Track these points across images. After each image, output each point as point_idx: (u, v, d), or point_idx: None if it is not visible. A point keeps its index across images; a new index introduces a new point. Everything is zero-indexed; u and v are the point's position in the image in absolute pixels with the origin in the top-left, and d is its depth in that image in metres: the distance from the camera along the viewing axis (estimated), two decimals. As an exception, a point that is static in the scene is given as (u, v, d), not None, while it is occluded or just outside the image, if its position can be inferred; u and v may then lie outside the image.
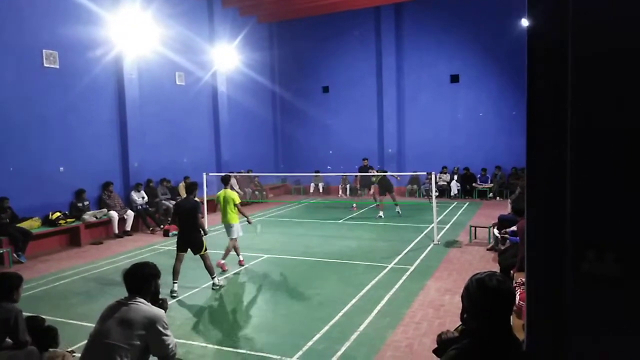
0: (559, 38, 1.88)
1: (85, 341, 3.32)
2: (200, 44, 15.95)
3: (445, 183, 17.55)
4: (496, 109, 17.63)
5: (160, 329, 3.23)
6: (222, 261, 8.32)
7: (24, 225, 9.87)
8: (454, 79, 18.16)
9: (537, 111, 1.97)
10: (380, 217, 13.28)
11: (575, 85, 1.86)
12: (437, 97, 18.38)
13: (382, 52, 18.81)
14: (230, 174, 10.68)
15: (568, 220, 1.92)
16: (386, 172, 14.61)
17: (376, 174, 14.13)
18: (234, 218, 8.31)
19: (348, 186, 18.99)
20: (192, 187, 7.52)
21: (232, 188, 8.82)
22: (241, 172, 17.36)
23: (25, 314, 3.95)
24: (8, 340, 3.74)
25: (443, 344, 2.75)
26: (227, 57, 16.84)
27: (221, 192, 8.51)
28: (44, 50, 10.83)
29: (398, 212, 13.64)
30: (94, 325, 3.30)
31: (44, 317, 4.51)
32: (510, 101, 17.10)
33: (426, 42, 18.33)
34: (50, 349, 3.96)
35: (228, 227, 8.38)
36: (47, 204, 10.77)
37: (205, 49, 16.20)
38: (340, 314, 6.03)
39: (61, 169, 11.25)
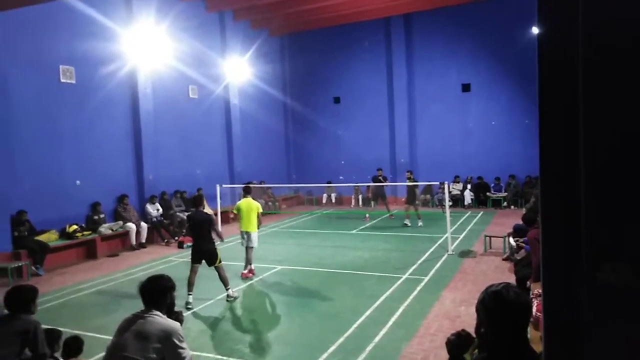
0: (569, 46, 1.88)
1: (102, 354, 3.35)
2: (212, 57, 16.17)
3: (458, 192, 17.43)
4: (508, 118, 17.53)
5: (176, 341, 3.25)
6: (245, 271, 8.57)
7: (42, 238, 10.03)
8: (465, 88, 18.12)
9: (549, 119, 1.97)
10: (407, 224, 13.32)
11: (587, 92, 1.86)
12: (449, 106, 18.34)
13: (393, 62, 18.86)
14: (251, 184, 10.88)
15: (584, 230, 1.91)
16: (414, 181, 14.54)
17: (387, 184, 14.17)
18: (255, 227, 8.50)
19: (360, 196, 18.96)
20: (200, 200, 7.56)
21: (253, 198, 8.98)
22: (254, 183, 17.44)
23: (43, 326, 4.01)
24: (27, 352, 3.79)
25: (454, 349, 2.71)
26: (239, 70, 17.03)
27: (243, 201, 8.72)
28: (60, 66, 11.07)
29: (406, 223, 13.61)
30: (110, 338, 3.34)
31: (61, 329, 4.57)
32: (522, 109, 16.99)
33: (436, 52, 18.35)
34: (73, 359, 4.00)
35: (248, 236, 8.50)
36: (64, 217, 10.93)
37: (218, 62, 16.41)
38: (355, 325, 6.00)
39: (78, 182, 11.43)
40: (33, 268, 9.49)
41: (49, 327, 4.52)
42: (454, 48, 18.04)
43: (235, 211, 8.79)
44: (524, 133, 16.88)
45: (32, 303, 3.92)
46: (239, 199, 17.10)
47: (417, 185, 13.99)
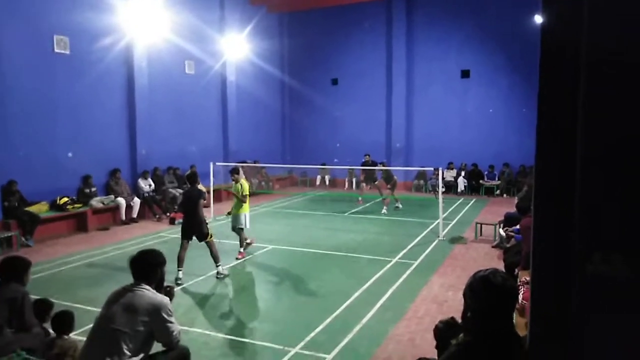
0: (572, 36, 1.86)
1: (91, 325, 3.36)
2: (210, 33, 15.92)
3: (451, 179, 17.48)
4: (506, 106, 17.50)
5: (165, 316, 3.27)
6: (242, 250, 8.49)
7: (32, 209, 9.97)
8: (465, 74, 18.03)
9: (547, 110, 1.96)
10: (385, 213, 13.27)
11: (588, 84, 1.84)
12: (447, 91, 18.27)
13: (393, 44, 18.68)
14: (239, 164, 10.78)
15: (575, 220, 1.91)
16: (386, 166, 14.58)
17: (382, 168, 14.13)
18: (244, 207, 8.37)
19: (354, 179, 18.98)
20: (194, 177, 7.49)
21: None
22: (248, 163, 17.39)
23: (32, 296, 4.01)
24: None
25: (442, 336, 2.75)
26: (237, 46, 16.80)
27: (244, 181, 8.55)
28: (55, 36, 10.86)
29: (398, 206, 13.66)
30: (99, 310, 3.35)
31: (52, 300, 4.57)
32: (520, 98, 16.96)
33: (437, 36, 18.18)
34: (65, 336, 3.96)
35: (236, 217, 8.42)
36: (55, 189, 10.85)
37: (215, 37, 16.17)
38: (343, 306, 6.06)
39: (70, 154, 11.32)
40: (23, 239, 9.46)
41: (40, 297, 4.53)
42: (454, 33, 17.88)
43: (246, 193, 8.35)
44: (521, 122, 16.88)
45: (24, 274, 3.94)
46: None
47: (390, 169, 14.03)
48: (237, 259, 8.33)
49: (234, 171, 8.51)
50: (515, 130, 17.08)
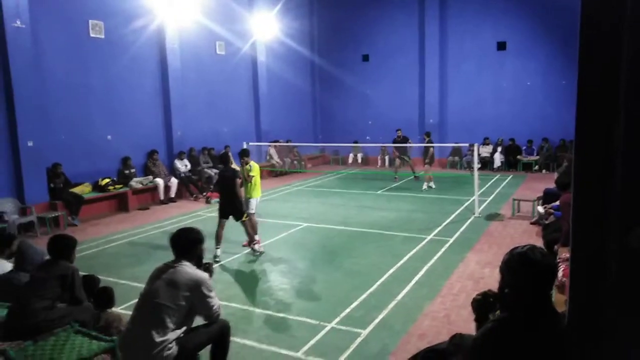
0: (615, 5, 1.77)
1: (135, 300, 3.52)
2: (240, 13, 15.91)
3: (487, 155, 17.09)
4: (545, 78, 16.86)
5: (205, 291, 3.39)
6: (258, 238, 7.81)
7: (76, 190, 10.41)
8: (501, 46, 17.41)
9: (588, 82, 1.88)
10: (425, 189, 13.17)
11: (631, 55, 1.76)
12: (482, 65, 17.72)
13: (425, 18, 18.19)
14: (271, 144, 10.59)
15: (616, 195, 1.86)
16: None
17: (412, 145, 14.02)
18: (256, 192, 7.80)
19: (387, 157, 18.82)
20: (228, 157, 7.54)
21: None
22: (280, 142, 17.51)
23: (81, 273, 4.22)
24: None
25: (480, 308, 2.73)
26: (267, 26, 16.75)
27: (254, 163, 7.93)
28: (90, 21, 11.12)
29: (431, 186, 13.44)
30: (143, 286, 3.50)
31: (98, 276, 4.81)
32: (559, 70, 16.29)
33: (472, 8, 17.57)
34: (108, 310, 4.21)
35: (247, 202, 7.75)
36: (97, 171, 11.28)
37: (245, 17, 16.16)
38: (378, 283, 6.10)
39: (109, 137, 11.70)
40: (69, 218, 9.92)
41: (87, 273, 4.77)
42: (489, 4, 17.23)
43: (253, 174, 7.68)
44: (560, 95, 16.26)
45: (71, 251, 4.14)
46: (266, 158, 17.15)
47: (433, 146, 13.75)
48: (243, 245, 7.82)
49: (243, 153, 7.79)
50: (554, 103, 16.47)
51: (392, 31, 18.93)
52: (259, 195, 7.87)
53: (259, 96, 16.95)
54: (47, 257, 4.08)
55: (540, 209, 8.53)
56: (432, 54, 18.22)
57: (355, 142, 18.77)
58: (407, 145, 14.20)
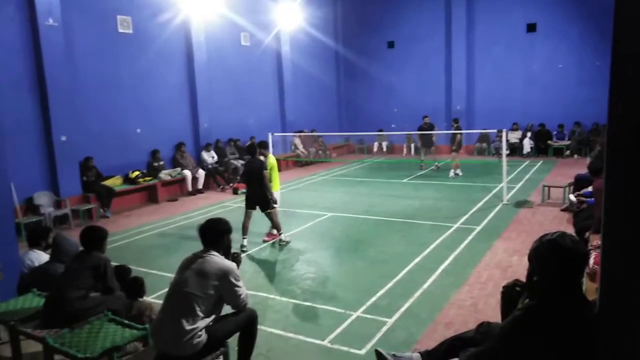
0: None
1: (166, 289, 3.62)
2: (263, 3, 15.93)
3: (516, 140, 16.70)
4: (577, 60, 16.30)
5: (233, 280, 3.45)
6: (276, 233, 7.75)
7: (108, 183, 10.70)
8: (531, 28, 16.90)
9: (623, 62, 1.81)
10: (452, 177, 13.01)
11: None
12: (511, 48, 17.25)
13: (451, 1, 17.78)
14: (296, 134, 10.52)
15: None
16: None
17: (437, 132, 13.81)
18: (275, 185, 7.78)
19: (412, 145, 18.62)
20: (254, 148, 7.53)
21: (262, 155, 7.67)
22: (305, 132, 17.53)
23: (112, 263, 4.36)
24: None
25: (509, 298, 2.69)
26: (290, 16, 16.70)
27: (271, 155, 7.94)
28: (118, 16, 11.32)
29: (457, 173, 13.24)
30: (173, 276, 3.58)
31: (129, 266, 4.95)
32: (593, 51, 15.71)
33: (500, -11, 17.08)
34: (139, 299, 4.35)
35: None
36: (127, 164, 11.55)
37: (269, 7, 16.16)
38: (404, 271, 6.08)
39: (138, 130, 11.95)
40: (101, 210, 10.21)
41: (119, 264, 4.92)
42: (518, -16, 16.72)
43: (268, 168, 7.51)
44: (594, 77, 15.69)
45: (103, 242, 4.27)
46: (291, 148, 17.22)
47: (461, 133, 13.52)
48: (264, 241, 7.77)
49: (261, 145, 7.68)
50: (588, 85, 15.91)
51: (418, 15, 18.60)
52: (278, 189, 7.75)
53: (283, 86, 16.98)
54: (81, 248, 4.21)
55: (573, 197, 8.29)
56: (459, 39, 17.84)
57: (380, 131, 18.62)
58: (432, 132, 13.94)
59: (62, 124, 9.88)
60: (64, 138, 9.93)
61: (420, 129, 14.18)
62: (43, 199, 9.49)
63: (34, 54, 9.51)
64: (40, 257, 4.97)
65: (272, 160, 7.75)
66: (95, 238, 4.20)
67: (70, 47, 10.23)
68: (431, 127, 14.13)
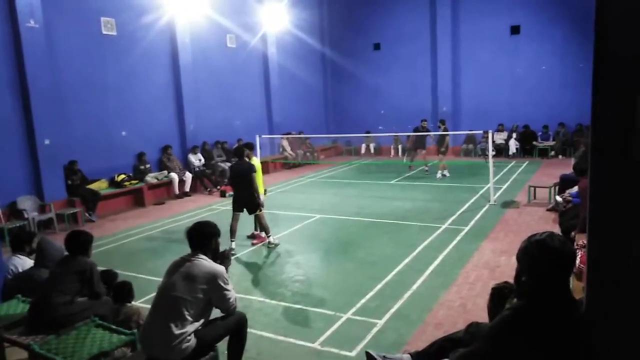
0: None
1: (154, 294, 3.57)
2: (249, 4, 15.88)
3: (502, 141, 16.88)
4: (561, 62, 16.54)
5: (221, 283, 3.42)
6: (264, 235, 7.72)
7: (93, 186, 10.56)
8: (515, 30, 17.12)
9: (605, 64, 1.84)
10: (440, 178, 13.09)
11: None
12: (495, 51, 17.45)
13: (437, 3, 17.93)
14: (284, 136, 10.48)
15: (633, 180, 1.82)
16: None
17: (430, 133, 13.84)
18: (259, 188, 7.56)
19: (400, 146, 18.70)
20: (241, 151, 7.45)
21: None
22: (293, 134, 17.51)
23: (99, 268, 4.29)
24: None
25: (497, 300, 2.72)
26: (276, 17, 16.69)
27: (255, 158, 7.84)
28: (102, 18, 11.19)
29: (444, 174, 13.34)
30: (161, 279, 3.55)
31: (116, 271, 4.89)
32: (576, 53, 15.97)
33: (484, -8, 17.27)
34: (127, 304, 4.28)
35: None
36: (112, 167, 11.42)
37: (255, 9, 16.12)
38: (393, 273, 6.10)
39: (123, 133, 11.82)
40: (86, 214, 10.07)
41: (105, 268, 4.85)
42: (503, -14, 16.92)
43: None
44: (577, 78, 15.95)
45: (88, 246, 4.21)
46: (279, 150, 17.17)
47: (448, 134, 13.61)
48: (252, 244, 7.70)
49: (247, 147, 7.63)
50: (571, 87, 16.17)
51: (403, 17, 18.71)
52: (261, 192, 7.62)
53: (270, 88, 16.95)
54: (66, 253, 4.15)
55: (559, 198, 8.39)
56: (444, 40, 17.99)
57: (368, 132, 18.67)
58: (424, 134, 13.95)
59: (45, 127, 9.72)
60: (47, 141, 9.76)
61: (416, 130, 14.18)
62: (27, 203, 9.33)
63: (15, 55, 9.34)
64: (25, 262, 4.88)
65: (256, 163, 7.65)
66: (80, 242, 4.14)
67: (53, 49, 10.08)
68: (427, 131, 14.20)
